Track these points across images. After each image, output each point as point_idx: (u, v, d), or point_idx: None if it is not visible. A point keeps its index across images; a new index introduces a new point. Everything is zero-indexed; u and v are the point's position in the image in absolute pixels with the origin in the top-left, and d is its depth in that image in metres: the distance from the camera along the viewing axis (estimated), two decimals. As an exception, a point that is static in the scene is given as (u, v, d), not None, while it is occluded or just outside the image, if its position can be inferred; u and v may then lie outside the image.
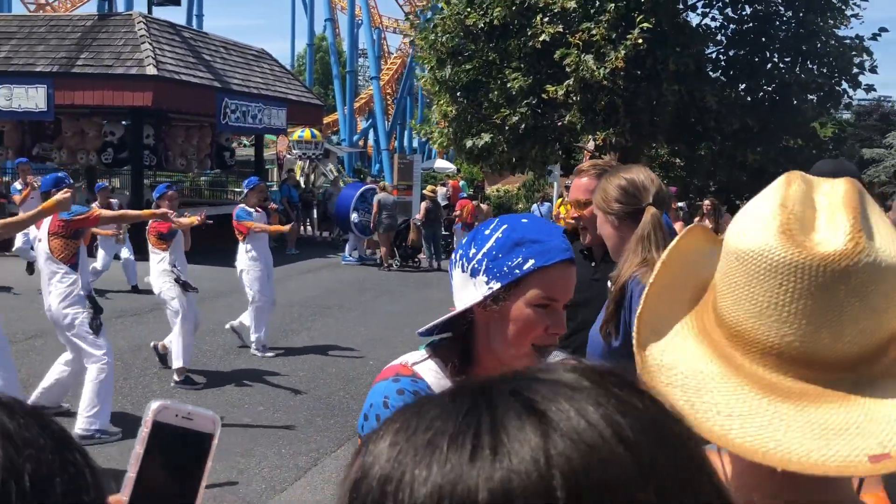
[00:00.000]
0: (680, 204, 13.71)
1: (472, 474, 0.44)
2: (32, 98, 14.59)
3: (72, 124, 16.24)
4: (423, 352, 1.50)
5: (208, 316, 8.92)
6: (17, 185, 12.17)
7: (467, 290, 1.42)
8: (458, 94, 14.37)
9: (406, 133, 49.01)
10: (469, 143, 14.34)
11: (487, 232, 1.42)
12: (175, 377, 6.70)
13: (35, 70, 14.49)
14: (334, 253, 17.16)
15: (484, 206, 17.82)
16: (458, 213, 16.69)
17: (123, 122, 16.02)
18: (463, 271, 1.43)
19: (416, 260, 15.86)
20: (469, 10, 13.65)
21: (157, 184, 17.52)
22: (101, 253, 11.11)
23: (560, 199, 15.20)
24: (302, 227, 18.96)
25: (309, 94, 20.71)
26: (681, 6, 14.12)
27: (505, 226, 1.41)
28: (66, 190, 5.11)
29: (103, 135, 16.08)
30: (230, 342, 8.16)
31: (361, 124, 51.61)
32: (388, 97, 49.80)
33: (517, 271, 1.36)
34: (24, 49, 15.00)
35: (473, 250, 1.41)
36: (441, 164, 38.74)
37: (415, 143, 49.65)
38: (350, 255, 15.85)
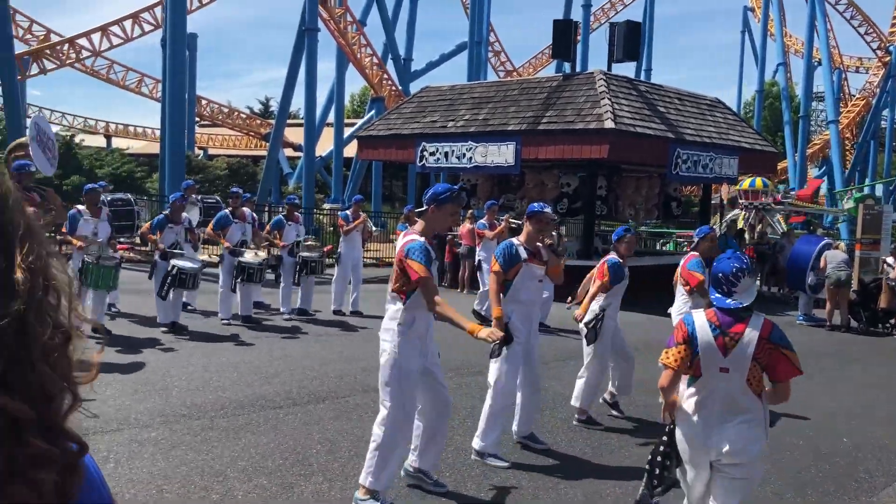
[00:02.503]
0: None
1: None
2: (503, 154, 16.29)
3: (533, 177, 17.74)
4: None
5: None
6: (484, 221, 13.79)
7: None
8: None
9: (868, 181, 43.96)
10: None
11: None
12: (576, 415, 6.95)
13: (507, 129, 16.17)
14: (782, 311, 15.93)
15: None
16: None
17: (578, 174, 16.98)
18: None
19: (889, 324, 13.90)
20: None
21: (602, 232, 18.29)
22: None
23: None
24: (749, 281, 17.94)
25: (763, 141, 19.73)
26: None
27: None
28: None
29: (560, 186, 17.24)
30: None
31: (812, 172, 47.71)
32: (846, 142, 45.31)
33: None
34: (500, 111, 16.85)
35: None
36: (915, 215, 33.63)
37: (878, 191, 44.26)
38: (804, 314, 14.58)
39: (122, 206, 12.37)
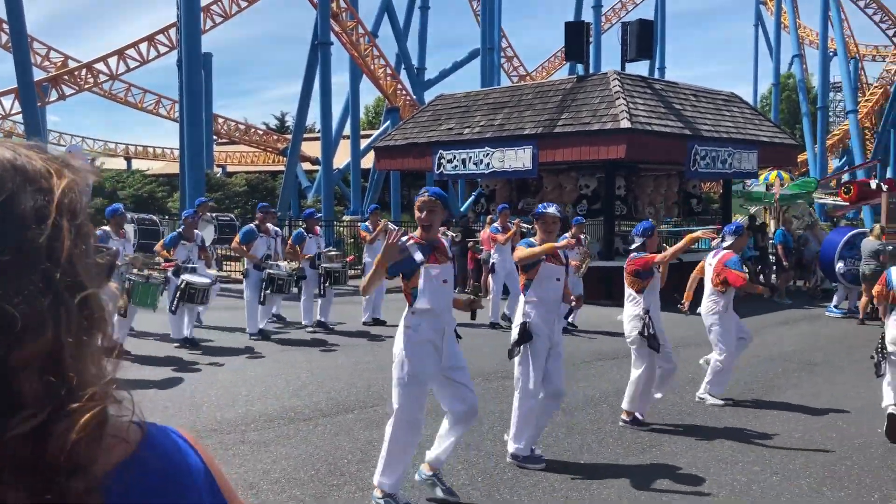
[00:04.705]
0: None
1: None
2: (520, 158, 16.29)
3: (551, 179, 17.72)
4: None
5: (685, 367, 8.82)
6: (497, 224, 13.63)
7: None
8: None
9: (890, 169, 43.42)
10: None
11: None
12: (622, 416, 6.88)
13: (523, 133, 16.17)
14: (810, 303, 15.87)
15: None
16: None
17: (596, 175, 16.94)
18: None
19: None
20: None
21: (623, 233, 18.18)
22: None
23: None
24: (773, 276, 17.85)
25: (782, 134, 19.58)
26: None
27: None
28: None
29: (579, 188, 17.21)
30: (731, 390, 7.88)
31: (833, 163, 47.24)
32: (866, 132, 44.82)
33: None
34: (515, 115, 16.86)
35: None
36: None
37: (901, 181, 43.64)
38: (836, 307, 14.42)
39: (149, 226, 12.54)
